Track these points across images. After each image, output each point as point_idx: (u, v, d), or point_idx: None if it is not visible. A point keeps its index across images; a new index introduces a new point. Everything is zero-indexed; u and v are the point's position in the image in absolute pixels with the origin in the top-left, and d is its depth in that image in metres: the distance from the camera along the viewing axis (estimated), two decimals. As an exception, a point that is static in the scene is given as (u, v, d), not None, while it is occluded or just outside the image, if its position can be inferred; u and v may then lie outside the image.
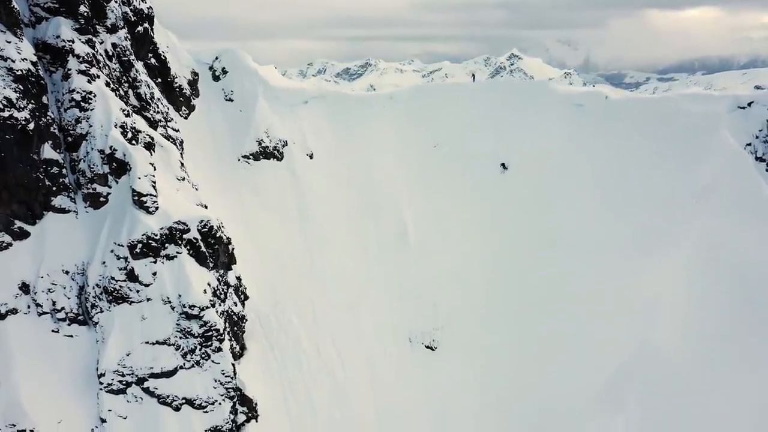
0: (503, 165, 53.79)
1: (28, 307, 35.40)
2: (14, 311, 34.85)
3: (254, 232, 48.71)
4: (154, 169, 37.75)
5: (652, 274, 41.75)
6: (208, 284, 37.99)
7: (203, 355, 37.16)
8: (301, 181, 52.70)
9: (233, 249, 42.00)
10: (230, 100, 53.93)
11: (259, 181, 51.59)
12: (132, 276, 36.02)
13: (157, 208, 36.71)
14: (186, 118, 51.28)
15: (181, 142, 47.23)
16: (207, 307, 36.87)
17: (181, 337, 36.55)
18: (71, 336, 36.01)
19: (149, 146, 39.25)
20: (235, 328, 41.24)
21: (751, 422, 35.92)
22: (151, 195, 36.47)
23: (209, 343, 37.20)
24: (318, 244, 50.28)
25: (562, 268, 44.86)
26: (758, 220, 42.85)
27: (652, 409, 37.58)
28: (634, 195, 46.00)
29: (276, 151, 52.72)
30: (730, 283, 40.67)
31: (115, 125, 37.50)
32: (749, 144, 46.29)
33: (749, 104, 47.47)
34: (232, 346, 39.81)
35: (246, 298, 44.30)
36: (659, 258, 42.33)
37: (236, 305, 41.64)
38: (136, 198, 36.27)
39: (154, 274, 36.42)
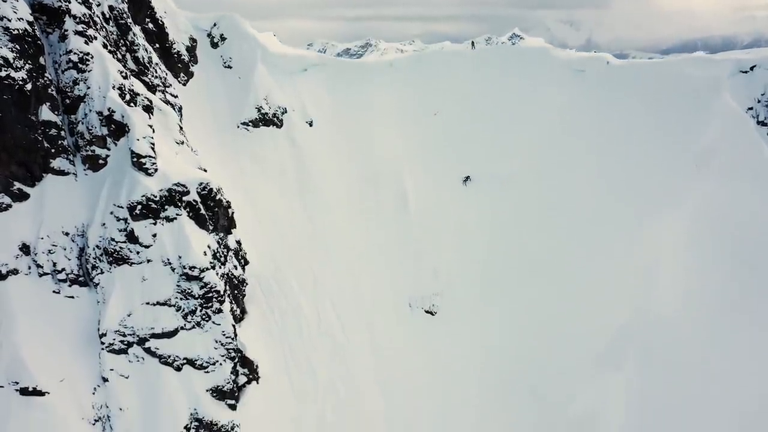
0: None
1: (29, 268, 35.50)
2: (15, 272, 34.95)
3: (254, 198, 48.69)
4: (153, 132, 37.61)
5: (652, 238, 41.74)
6: (208, 246, 38.07)
7: (204, 317, 37.36)
8: (301, 149, 52.55)
9: (233, 213, 42.00)
10: (229, 67, 53.58)
11: (258, 148, 51.44)
12: (132, 237, 36.08)
13: (156, 170, 36.67)
14: (184, 84, 51.01)
15: (180, 108, 47.05)
16: (207, 269, 36.98)
17: (181, 299, 36.71)
18: (72, 297, 36.15)
19: (148, 109, 39.04)
20: (236, 292, 41.39)
21: (751, 383, 36.14)
22: (150, 157, 36.39)
23: (210, 304, 37.37)
24: (318, 211, 50.27)
25: (562, 233, 44.85)
26: (759, 184, 42.77)
27: (651, 371, 37.86)
28: (635, 160, 45.84)
29: (275, 119, 52.49)
30: (730, 247, 40.69)
31: (113, 87, 37.28)
32: (751, 108, 46.04)
33: (751, 68, 47.11)
34: (232, 309, 40.00)
35: (246, 263, 44.41)
36: (659, 222, 42.29)
37: (236, 269, 41.75)
38: (135, 160, 36.20)
39: (154, 235, 36.48)
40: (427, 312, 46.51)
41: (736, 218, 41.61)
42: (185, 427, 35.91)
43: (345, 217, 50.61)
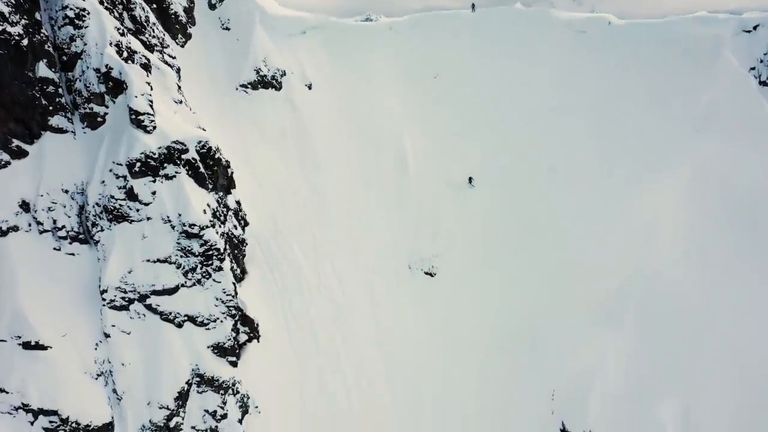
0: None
1: (29, 225, 35.58)
2: (15, 228, 35.04)
3: (253, 161, 48.59)
4: (151, 90, 37.37)
5: (652, 198, 41.72)
6: (208, 205, 38.10)
7: (204, 274, 37.54)
8: (300, 112, 52.27)
9: (232, 173, 41.98)
10: (227, 28, 53.07)
11: (257, 110, 51.18)
12: (131, 195, 36.10)
13: (155, 128, 36.54)
14: (182, 46, 50.56)
15: (178, 70, 46.64)
16: (207, 227, 37.06)
17: (181, 256, 36.85)
18: (73, 254, 36.30)
19: (145, 67, 38.77)
20: (236, 251, 41.53)
21: (748, 340, 36.38)
22: (148, 114, 36.23)
23: (210, 262, 37.52)
24: (317, 173, 50.19)
25: (561, 194, 44.81)
26: (760, 144, 42.57)
27: (649, 327, 38.11)
28: (635, 121, 45.59)
29: (274, 81, 52.14)
30: (729, 206, 40.66)
31: (110, 43, 37.00)
32: (753, 68, 45.64)
33: (755, 27, 46.57)
34: (232, 268, 40.17)
35: (246, 224, 44.50)
36: (660, 182, 42.23)
37: (236, 228, 41.83)
38: (133, 117, 36.04)
39: (154, 193, 36.49)
40: (426, 273, 46.70)
41: (736, 178, 41.50)
42: (187, 383, 36.35)
43: (345, 179, 50.52)
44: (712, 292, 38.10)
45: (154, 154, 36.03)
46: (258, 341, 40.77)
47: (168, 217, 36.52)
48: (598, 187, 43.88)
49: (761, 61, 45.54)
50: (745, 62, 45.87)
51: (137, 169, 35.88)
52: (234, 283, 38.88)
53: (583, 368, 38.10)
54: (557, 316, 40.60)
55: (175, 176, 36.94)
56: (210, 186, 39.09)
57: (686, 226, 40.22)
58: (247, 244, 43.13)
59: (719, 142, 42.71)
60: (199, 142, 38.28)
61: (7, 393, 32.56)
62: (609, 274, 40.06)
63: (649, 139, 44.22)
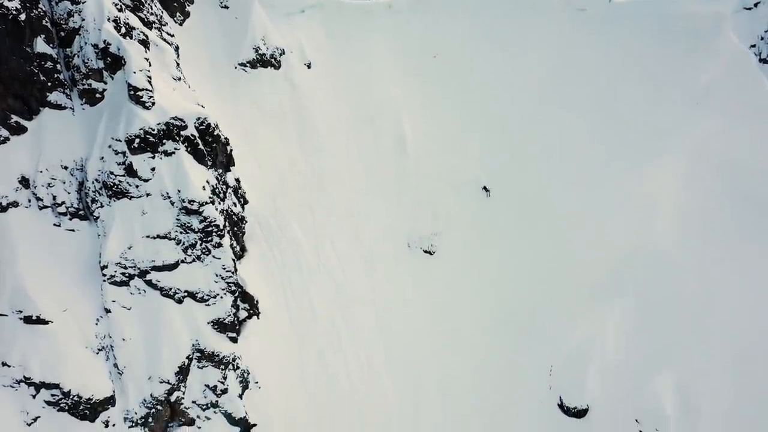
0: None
1: (29, 201, 35.67)
2: (15, 204, 35.14)
3: (252, 139, 48.50)
4: (150, 65, 37.25)
5: (651, 176, 41.77)
6: (207, 182, 38.14)
7: (204, 250, 37.68)
8: (299, 91, 52.07)
9: (231, 150, 41.97)
10: (225, 6, 52.71)
11: (256, 89, 50.98)
12: (131, 171, 36.13)
13: (153, 104, 36.47)
14: (180, 24, 50.27)
15: (176, 48, 46.43)
16: (206, 203, 37.13)
17: (181, 232, 36.97)
18: (73, 230, 36.43)
19: (144, 43, 38.61)
20: (235, 229, 41.62)
21: (746, 315, 36.62)
22: (146, 90, 36.14)
23: (209, 238, 37.65)
24: (317, 152, 50.12)
25: (560, 172, 44.85)
26: (759, 122, 42.53)
27: (647, 304, 38.36)
28: (635, 98, 45.51)
29: (273, 59, 51.91)
30: (728, 184, 40.76)
31: (108, 19, 36.79)
32: (753, 46, 45.51)
33: (755, 5, 46.39)
34: (232, 245, 40.28)
35: (246, 202, 44.55)
36: (659, 160, 42.27)
37: (236, 206, 41.91)
38: (132, 93, 35.95)
39: (153, 169, 36.51)
40: (425, 252, 46.84)
41: (735, 156, 41.55)
42: (187, 357, 36.63)
43: (344, 159, 50.50)
44: (710, 269, 38.28)
45: (153, 130, 36.00)
46: (258, 318, 41.00)
47: (167, 193, 36.58)
48: (598, 166, 43.90)
49: (762, 39, 45.42)
50: (745, 40, 45.72)
51: (136, 145, 35.87)
52: (234, 260, 39.04)
53: (581, 345, 38.38)
54: (556, 294, 40.81)
55: (174, 152, 36.94)
56: (209, 163, 39.10)
57: (685, 205, 40.32)
58: (246, 221, 43.22)
59: (719, 120, 42.69)
60: (198, 118, 38.23)
61: (10, 367, 32.87)
62: (608, 252, 40.21)
63: (648, 117, 44.16)
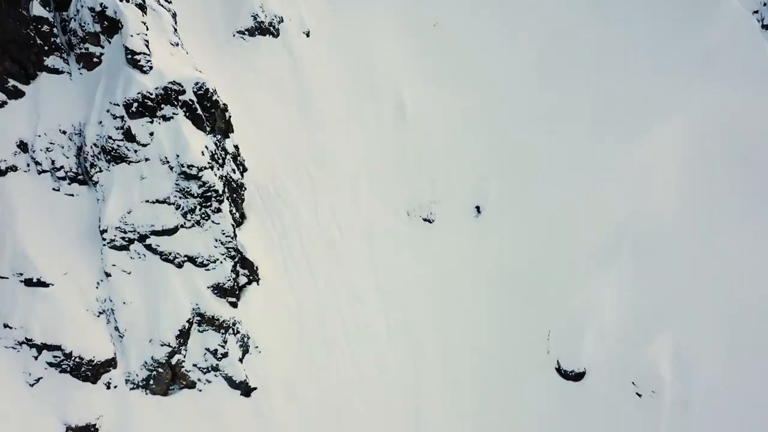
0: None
1: (27, 165, 35.75)
2: (14, 168, 35.20)
3: (251, 108, 48.33)
4: (147, 29, 37.01)
5: (651, 140, 41.65)
6: (206, 147, 38.10)
7: (203, 215, 37.79)
8: (298, 60, 51.76)
9: (230, 117, 41.86)
10: (223, -27, 52.20)
11: (255, 58, 50.68)
12: (129, 135, 36.11)
13: (151, 68, 36.28)
14: (178, -9, 49.78)
15: (174, 15, 46.04)
16: (205, 168, 37.14)
17: (180, 197, 37.04)
18: (72, 195, 36.54)
19: (141, 7, 38.28)
20: (234, 195, 41.65)
21: (742, 278, 36.77)
22: (144, 54, 35.94)
23: (209, 203, 37.74)
24: (316, 121, 49.94)
25: (559, 137, 44.65)
26: (760, 89, 42.30)
27: (645, 268, 38.49)
28: (634, 65, 45.19)
29: (272, 27, 51.52)
30: (727, 150, 40.66)
31: (104, -18, 36.46)
32: (756, 12, 45.13)
33: (759, -30, 45.97)
34: (231, 212, 40.39)
35: (245, 170, 44.52)
36: (658, 126, 42.10)
37: (234, 172, 41.90)
38: (129, 57, 35.76)
39: (151, 134, 36.48)
40: (425, 220, 46.86)
41: (735, 123, 41.36)
42: (187, 321, 36.95)
43: (343, 128, 50.31)
44: (708, 233, 38.38)
45: (151, 95, 35.89)
46: (258, 284, 41.23)
47: (166, 158, 36.60)
48: (598, 133, 43.73)
49: (765, 5, 45.00)
50: (748, 5, 45.29)
51: (134, 110, 35.79)
52: (233, 225, 39.17)
53: (578, 309, 38.61)
54: (555, 260, 40.93)
55: (172, 117, 36.86)
56: (208, 128, 39.03)
57: (684, 169, 40.29)
58: (245, 188, 43.25)
59: (719, 87, 42.45)
60: (197, 83, 38.07)
61: (11, 328, 33.21)
62: (606, 216, 40.25)
63: (648, 83, 43.93)
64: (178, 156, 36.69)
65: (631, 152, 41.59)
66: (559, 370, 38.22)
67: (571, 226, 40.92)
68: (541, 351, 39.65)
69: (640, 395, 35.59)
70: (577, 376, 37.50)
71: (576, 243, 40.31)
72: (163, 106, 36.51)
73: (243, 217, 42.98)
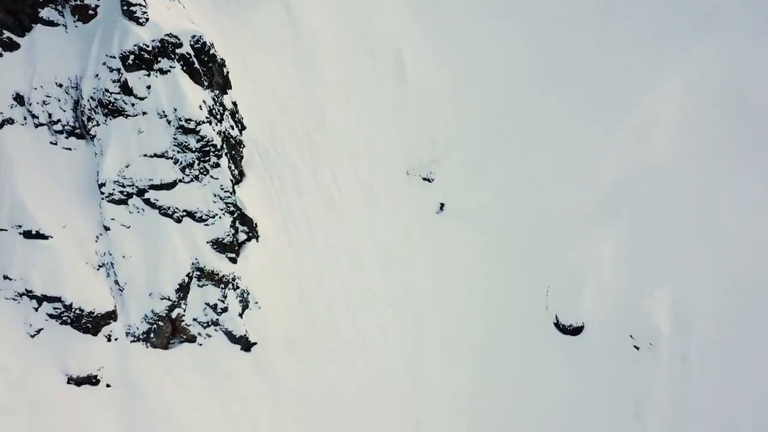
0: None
1: (24, 118, 35.54)
2: (11, 121, 35.00)
3: (250, 69, 47.81)
4: (143, -19, 36.47)
5: (651, 96, 41.23)
6: (204, 101, 37.85)
7: (201, 170, 37.66)
8: (297, 18, 51.04)
9: (228, 72, 41.51)
10: (220, -70, 51.30)
11: (253, 18, 49.93)
12: (126, 88, 35.81)
13: (147, 20, 35.81)
14: (175, -52, 49.02)
15: (171, -29, 45.43)
16: (203, 122, 36.90)
17: (179, 152, 36.89)
18: (70, 149, 36.41)
19: (136, -41, 37.68)
20: (233, 152, 41.44)
21: (741, 238, 36.64)
22: (140, 5, 35.47)
23: (207, 158, 37.58)
24: (315, 81, 49.47)
25: (559, 96, 44.27)
26: (761, 44, 41.71)
27: (643, 223, 38.35)
28: (635, 19, 44.60)
29: (270, -15, 50.81)
30: (729, 105, 40.16)
31: (99, -68, 35.89)
32: (760, -33, 44.28)
33: (765, -77, 44.90)
34: (230, 168, 40.20)
35: (243, 128, 44.23)
36: (659, 81, 41.66)
37: (233, 129, 41.63)
38: (125, 8, 35.29)
39: (148, 87, 36.18)
40: (424, 179, 46.74)
41: (737, 77, 40.81)
42: (187, 275, 37.04)
43: (343, 87, 49.87)
44: (708, 189, 38.15)
45: (148, 47, 35.51)
46: (257, 241, 41.25)
47: (163, 111, 36.35)
48: (597, 90, 43.35)
49: (769, -40, 44.14)
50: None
51: (131, 62, 35.44)
52: (232, 180, 39.05)
53: (577, 264, 38.63)
54: (554, 216, 40.87)
55: (169, 71, 36.52)
56: (205, 83, 38.71)
57: (684, 125, 39.92)
58: (244, 146, 43.02)
59: (720, 42, 41.87)
60: (194, 36, 37.67)
61: (11, 280, 33.31)
62: (606, 172, 40.06)
63: (648, 38, 43.35)
64: (175, 110, 36.45)
65: (631, 109, 41.25)
66: (557, 325, 38.37)
67: (570, 183, 40.79)
68: (539, 307, 39.79)
69: (637, 348, 35.74)
70: (575, 331, 37.65)
71: (576, 199, 40.21)
72: (159, 59, 36.15)
73: (242, 175, 42.83)
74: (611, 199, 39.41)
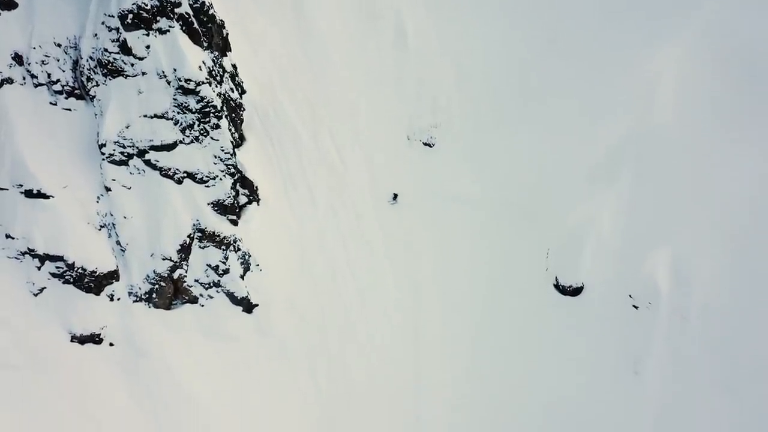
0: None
1: (24, 78, 35.38)
2: (10, 81, 34.86)
3: (250, 31, 47.33)
4: (140, -60, 36.06)
5: (653, 57, 40.97)
6: (203, 62, 37.64)
7: (202, 131, 37.58)
8: (297, -18, 50.60)
9: (227, 34, 41.24)
10: None
11: (252, -19, 49.53)
12: (125, 48, 35.60)
13: (145, -22, 35.47)
14: None
15: (169, -67, 44.90)
16: (203, 83, 36.73)
17: (178, 112, 36.79)
18: (69, 110, 36.30)
19: None
20: (233, 115, 41.29)
21: (743, 191, 36.70)
22: (138, -37, 35.10)
23: (207, 119, 37.49)
24: (316, 47, 49.06)
25: (560, 57, 43.96)
26: (765, 4, 41.38)
27: (644, 183, 38.39)
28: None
29: (269, -51, 50.23)
30: (732, 66, 39.98)
31: None
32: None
33: None
34: (231, 131, 40.11)
35: (243, 91, 44.03)
36: (661, 42, 41.33)
37: (233, 91, 41.45)
38: (123, -34, 34.97)
39: (148, 47, 35.95)
40: (425, 144, 46.62)
41: (739, 38, 40.51)
42: (188, 236, 37.14)
43: (343, 53, 49.48)
44: (709, 149, 38.14)
45: (146, 5, 35.21)
46: (258, 204, 41.29)
47: (163, 72, 36.18)
48: (598, 51, 43.03)
49: None
50: None
51: (129, 21, 35.18)
52: (232, 142, 38.99)
53: (577, 225, 38.73)
54: (555, 178, 40.83)
55: (168, 30, 36.23)
56: (205, 44, 38.47)
57: (686, 86, 39.75)
58: (244, 109, 42.84)
59: (723, 2, 41.58)
60: (192, -5, 37.33)
61: (13, 239, 33.42)
62: (607, 132, 39.95)
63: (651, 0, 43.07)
64: (175, 70, 36.27)
65: (633, 69, 41.01)
66: (557, 286, 38.56)
67: (571, 143, 40.71)
68: (539, 269, 39.96)
69: (636, 307, 35.98)
70: (575, 291, 37.86)
71: (576, 159, 40.18)
72: (158, 18, 35.87)
73: (242, 138, 42.73)
74: (612, 160, 39.40)
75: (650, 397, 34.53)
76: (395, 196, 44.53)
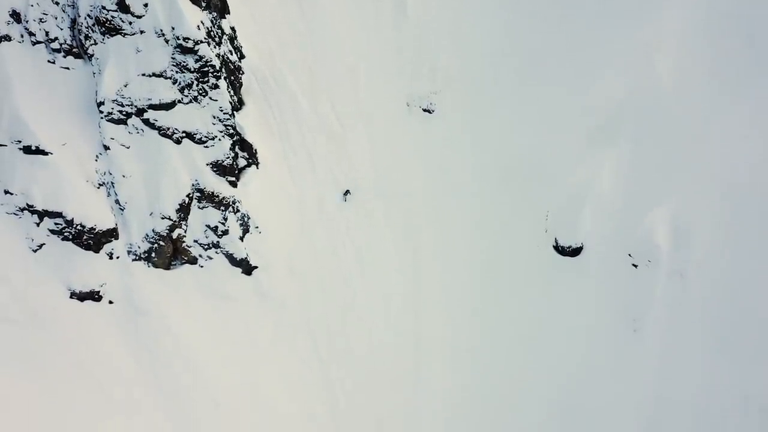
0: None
1: (21, 36, 35.27)
2: (8, 38, 34.77)
3: (251, 4, 47.28)
4: None
5: (652, 20, 40.77)
6: (202, 22, 37.48)
7: (200, 91, 37.50)
8: (296, -48, 50.37)
9: (226, -5, 41.07)
10: None
11: (251, -52, 49.31)
12: (123, 6, 35.46)
13: (143, -64, 35.33)
14: None
15: None
16: (201, 42, 36.61)
17: (177, 71, 36.69)
18: (68, 68, 36.21)
19: None
20: (232, 78, 41.15)
21: (741, 151, 36.62)
22: None
23: (206, 79, 37.41)
24: (316, 18, 48.83)
25: (560, 22, 43.74)
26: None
27: (644, 145, 38.32)
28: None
29: None
30: (732, 28, 39.79)
31: None
32: None
33: None
34: (230, 92, 39.97)
35: (242, 56, 43.87)
36: (661, 6, 41.13)
37: (232, 54, 41.30)
38: (120, -77, 34.80)
39: (146, 5, 35.80)
40: (425, 111, 46.45)
41: (738, 4, 40.42)
42: (188, 196, 37.13)
43: (343, 22, 49.22)
44: (708, 110, 37.98)
45: (144, -37, 35.08)
46: (257, 168, 41.22)
47: (161, 30, 36.04)
48: (597, 16, 42.79)
49: None
50: None
51: (127, -21, 35.05)
52: (231, 104, 38.90)
53: (577, 185, 38.68)
54: (555, 141, 40.68)
55: (166, -11, 36.09)
56: (203, 4, 38.30)
57: (686, 48, 39.57)
58: (243, 73, 42.70)
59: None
60: (190, -46, 37.13)
61: (12, 194, 33.42)
62: (606, 94, 39.79)
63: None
64: (173, 28, 36.13)
65: (632, 32, 40.80)
66: (556, 247, 38.52)
67: (571, 105, 40.56)
68: (539, 231, 39.91)
69: (636, 266, 35.94)
70: (574, 252, 37.83)
71: (576, 122, 40.04)
72: (156, -24, 35.70)
73: (241, 102, 42.57)
74: (612, 122, 39.27)
75: (650, 354, 34.55)
76: (347, 192, 42.97)
